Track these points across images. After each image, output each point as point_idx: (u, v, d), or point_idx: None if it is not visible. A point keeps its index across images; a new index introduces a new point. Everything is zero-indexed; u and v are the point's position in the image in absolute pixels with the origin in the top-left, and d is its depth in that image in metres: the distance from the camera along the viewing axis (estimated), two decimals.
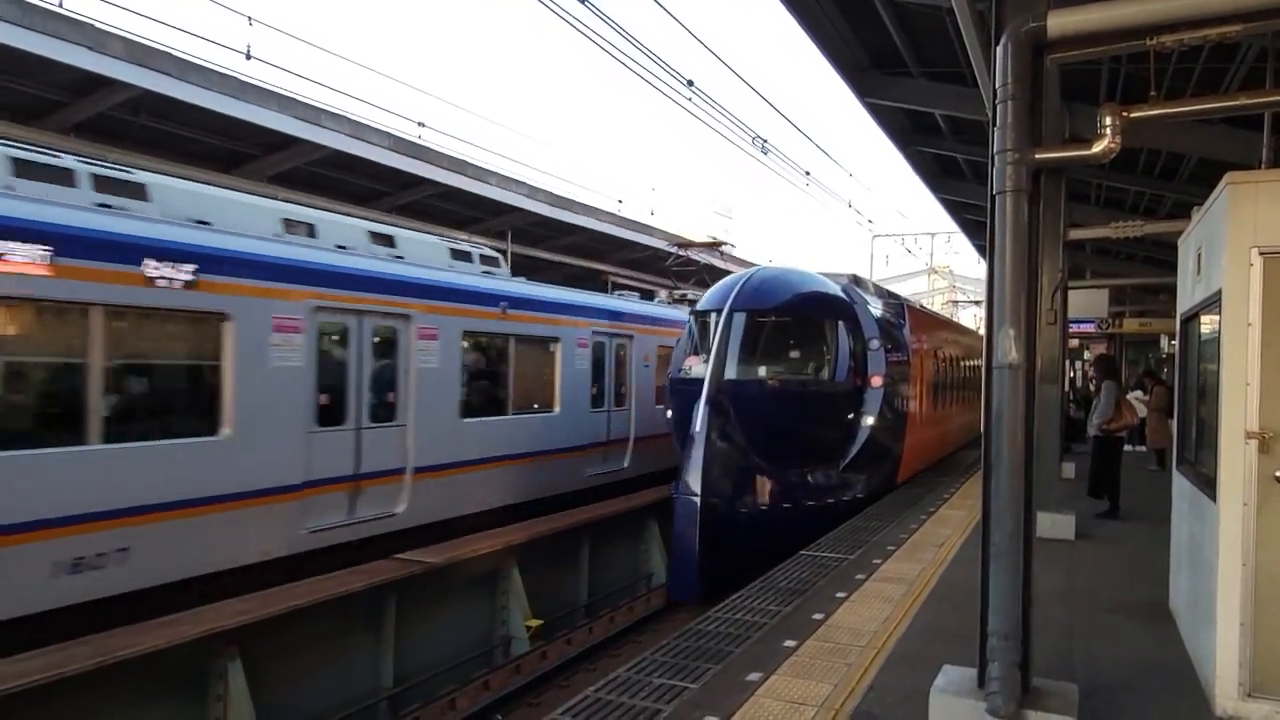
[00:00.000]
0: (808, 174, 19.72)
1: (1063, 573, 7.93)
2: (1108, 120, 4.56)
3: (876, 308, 12.82)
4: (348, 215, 16.33)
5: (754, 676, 5.12)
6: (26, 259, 6.56)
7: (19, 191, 7.02)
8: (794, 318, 11.57)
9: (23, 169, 7.25)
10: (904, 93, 11.48)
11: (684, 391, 11.00)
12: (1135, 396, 19.85)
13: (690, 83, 12.53)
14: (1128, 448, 19.46)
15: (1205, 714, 4.67)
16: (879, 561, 8.24)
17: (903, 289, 34.98)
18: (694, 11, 17.14)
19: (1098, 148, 4.58)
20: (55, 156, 7.86)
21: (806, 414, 11.15)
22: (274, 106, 13.77)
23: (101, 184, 7.85)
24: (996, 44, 4.31)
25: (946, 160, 15.88)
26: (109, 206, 7.71)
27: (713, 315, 11.13)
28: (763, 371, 10.96)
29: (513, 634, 10.19)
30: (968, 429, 19.70)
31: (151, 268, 7.42)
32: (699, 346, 11.42)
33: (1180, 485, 6.38)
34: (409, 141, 16.71)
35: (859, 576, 7.64)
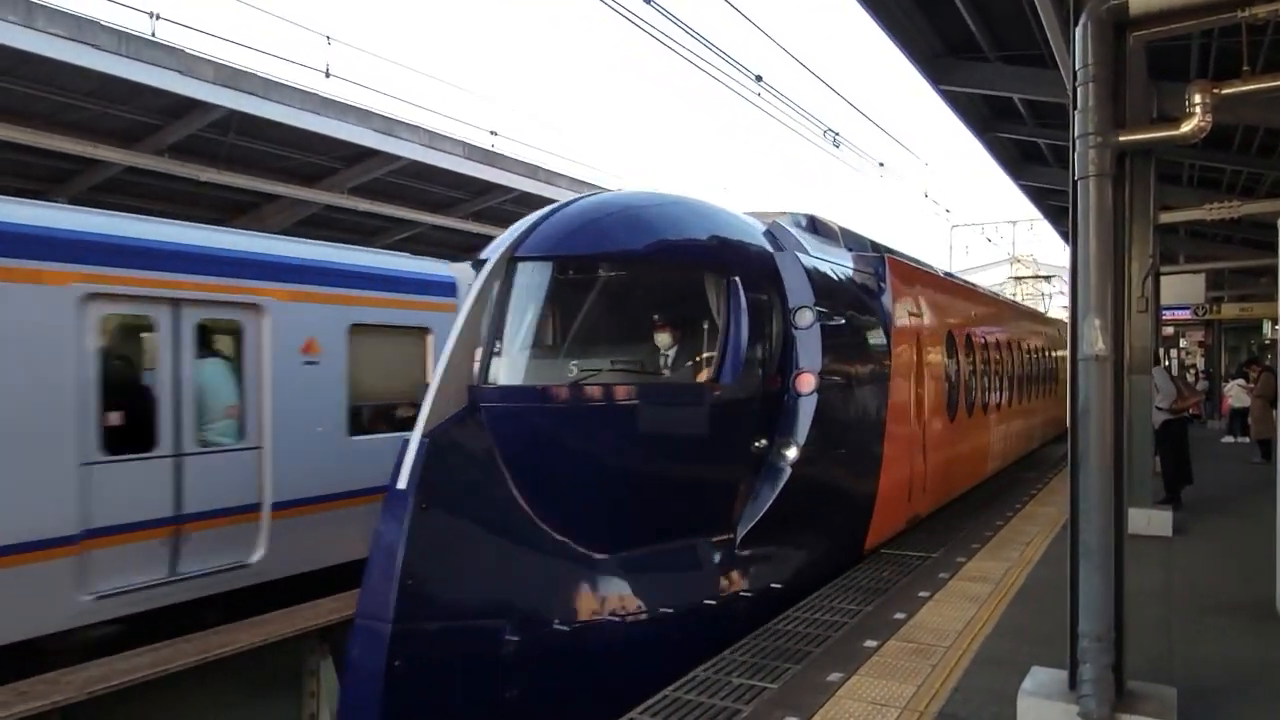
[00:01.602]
0: (881, 165, 19.38)
1: (1160, 571, 7.61)
2: (1197, 98, 4.37)
3: (828, 261, 8.05)
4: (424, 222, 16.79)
5: (834, 677, 5.06)
6: None
7: None
8: (639, 272, 6.66)
9: None
10: (980, 78, 11.17)
11: None
12: (1239, 384, 18.97)
13: (759, 78, 12.43)
14: (1228, 439, 18.71)
15: None
16: (963, 559, 8.04)
17: (983, 279, 34.00)
18: (761, 5, 17.02)
19: (1187, 127, 4.39)
20: None
21: (658, 446, 6.33)
22: (353, 120, 14.18)
23: None
24: (1075, 24, 4.17)
25: (1027, 146, 15.39)
26: None
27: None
28: (572, 370, 6.34)
29: None
30: (1014, 443, 15.08)
31: None
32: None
33: None
34: (483, 150, 17.02)
35: (942, 575, 7.46)
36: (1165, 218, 12.10)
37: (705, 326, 6.72)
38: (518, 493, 5.70)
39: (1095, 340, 4.03)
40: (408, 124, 15.25)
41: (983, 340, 12.60)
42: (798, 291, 7.19)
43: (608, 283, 6.68)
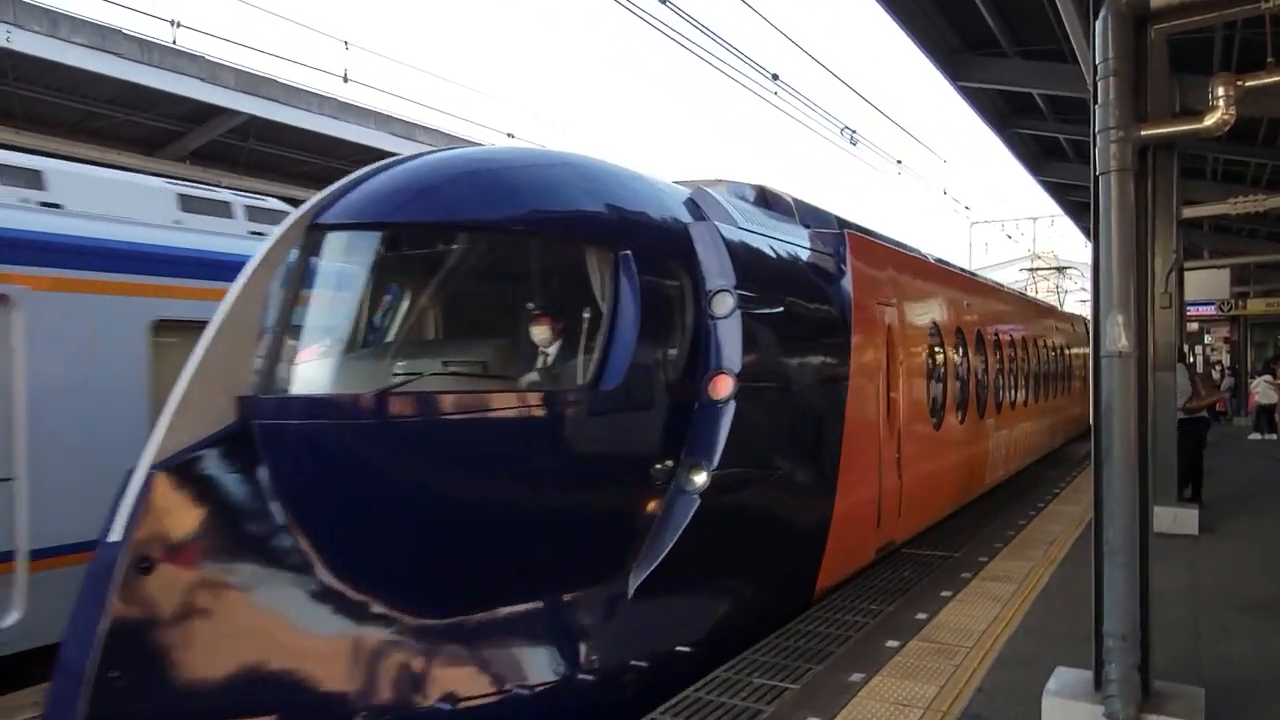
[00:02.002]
0: (899, 162, 19.27)
1: (1186, 569, 7.53)
2: (1220, 91, 4.33)
3: (765, 236, 6.54)
4: None
5: (856, 677, 5.04)
6: None
7: None
8: (498, 247, 5.42)
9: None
10: (999, 74, 11.09)
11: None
12: (1265, 380, 18.74)
13: (775, 76, 12.41)
14: (1254, 436, 18.48)
15: None
16: (985, 559, 7.98)
17: (1003, 276, 33.73)
18: (777, 4, 16.97)
19: (1210, 120, 4.35)
20: None
21: (511, 473, 4.81)
22: (371, 124, 14.32)
23: None
24: (1095, 18, 4.14)
25: (1047, 141, 15.27)
26: None
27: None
28: (395, 374, 4.93)
29: None
30: (1020, 449, 13.47)
31: None
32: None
33: None
34: None
35: (964, 574, 7.42)
36: (1189, 212, 11.96)
37: (577, 318, 5.18)
38: (304, 540, 4.28)
39: (1118, 337, 3.99)
40: (427, 128, 15.36)
41: (978, 335, 11.00)
42: (717, 272, 5.64)
43: (458, 262, 5.40)
